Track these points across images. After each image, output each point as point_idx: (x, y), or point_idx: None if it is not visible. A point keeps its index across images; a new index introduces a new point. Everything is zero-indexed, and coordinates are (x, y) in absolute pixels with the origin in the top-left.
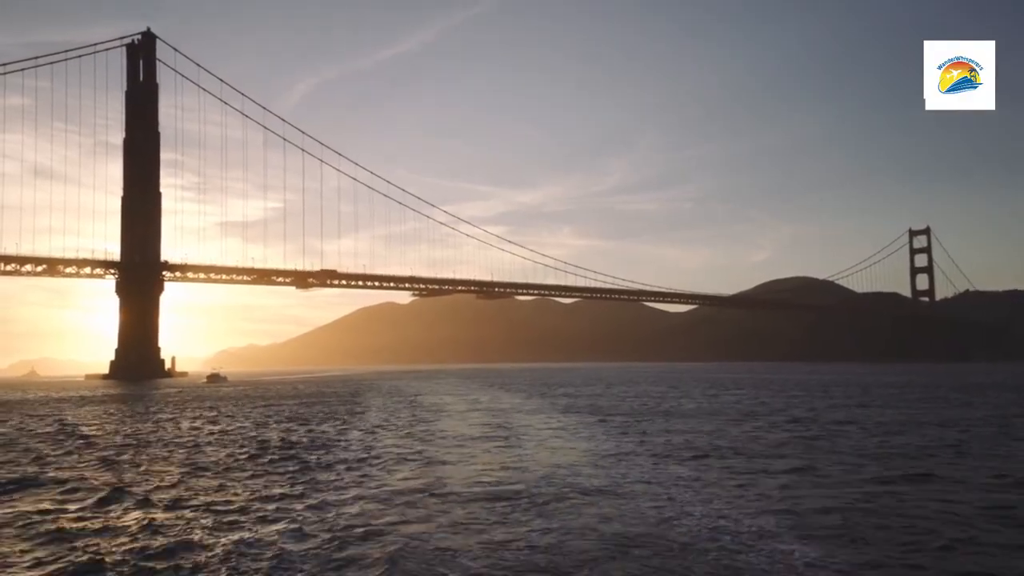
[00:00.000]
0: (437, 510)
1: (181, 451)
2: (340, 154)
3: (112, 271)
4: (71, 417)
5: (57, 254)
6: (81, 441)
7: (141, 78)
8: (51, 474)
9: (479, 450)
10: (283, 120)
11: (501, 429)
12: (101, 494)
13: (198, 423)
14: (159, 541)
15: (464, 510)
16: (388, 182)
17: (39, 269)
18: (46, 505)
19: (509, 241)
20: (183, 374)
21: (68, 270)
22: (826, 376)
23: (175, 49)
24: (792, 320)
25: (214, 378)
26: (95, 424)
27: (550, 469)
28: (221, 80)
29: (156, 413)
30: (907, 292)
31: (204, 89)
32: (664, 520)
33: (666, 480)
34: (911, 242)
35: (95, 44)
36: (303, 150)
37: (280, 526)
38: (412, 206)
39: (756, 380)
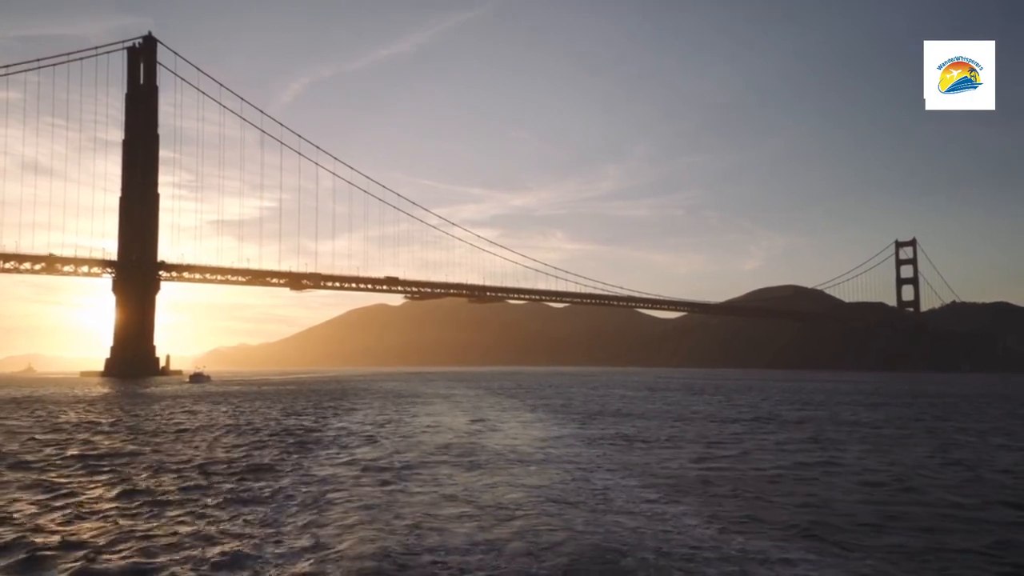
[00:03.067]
0: (403, 471)
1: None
2: (336, 158)
3: (109, 270)
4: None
5: (50, 250)
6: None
7: (141, 81)
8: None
9: (450, 433)
10: (279, 123)
11: (475, 422)
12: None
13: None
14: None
15: (428, 470)
16: (382, 186)
17: (37, 267)
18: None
19: (501, 246)
20: (177, 372)
21: (66, 268)
22: (806, 384)
23: (175, 53)
24: (781, 328)
25: (197, 377)
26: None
27: (502, 447)
28: (216, 81)
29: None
30: (893, 302)
31: (200, 90)
32: (566, 480)
33: (583, 457)
34: (897, 253)
35: (97, 47)
36: (299, 153)
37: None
38: (405, 208)
39: (736, 386)
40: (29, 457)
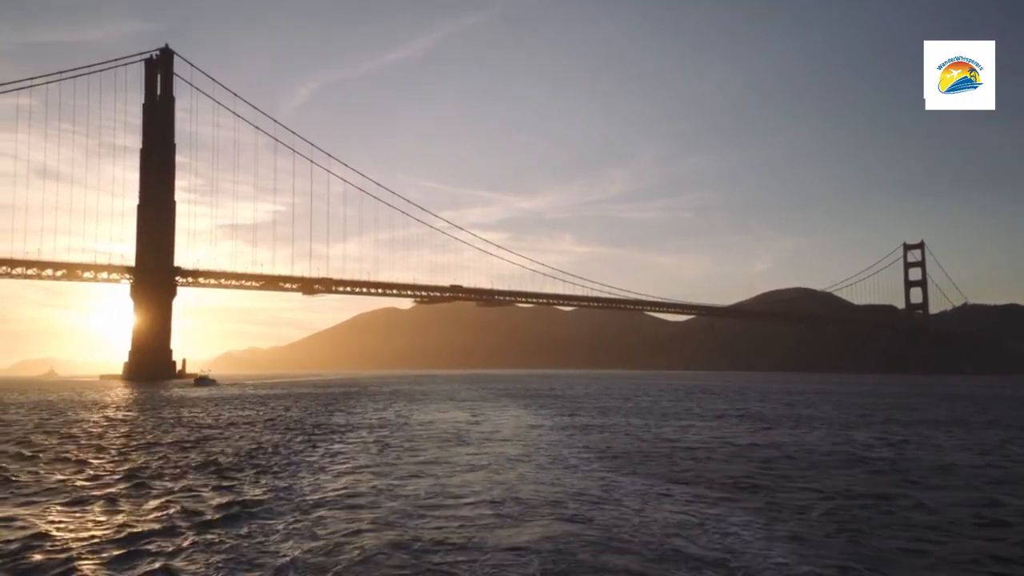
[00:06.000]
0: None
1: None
2: (345, 165)
3: (128, 276)
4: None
5: (67, 255)
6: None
7: (159, 91)
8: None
9: (446, 421)
10: (288, 129)
11: (471, 415)
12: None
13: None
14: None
15: (424, 448)
16: (392, 192)
17: (59, 274)
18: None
19: (508, 250)
20: (193, 376)
21: (86, 275)
22: (803, 385)
23: (191, 64)
24: (789, 330)
25: (202, 381)
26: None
27: (487, 431)
28: (228, 89)
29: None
30: (902, 305)
31: (214, 99)
32: (530, 451)
33: (547, 436)
34: (905, 256)
35: (116, 59)
36: (311, 161)
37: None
38: (415, 212)
39: (731, 388)
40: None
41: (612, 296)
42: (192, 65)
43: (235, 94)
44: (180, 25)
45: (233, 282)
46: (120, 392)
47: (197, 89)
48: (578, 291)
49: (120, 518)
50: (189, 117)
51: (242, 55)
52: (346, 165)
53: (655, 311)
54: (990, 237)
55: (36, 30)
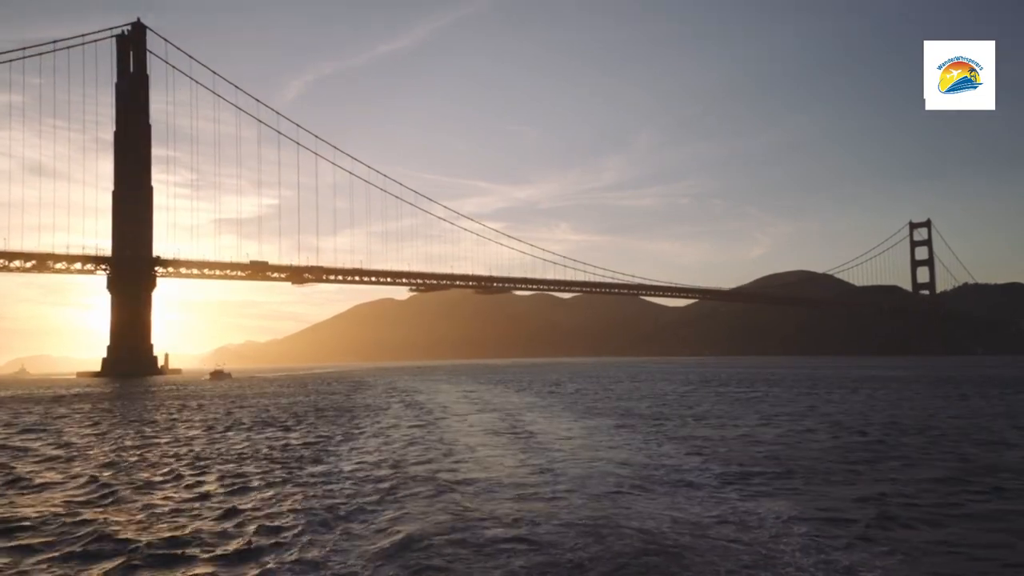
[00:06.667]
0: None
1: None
2: (337, 148)
3: (103, 267)
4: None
5: (48, 250)
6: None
7: (131, 70)
8: None
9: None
10: (278, 113)
11: (473, 401)
12: None
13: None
14: None
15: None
16: (386, 178)
17: (28, 265)
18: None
19: (505, 234)
20: (176, 371)
21: (58, 266)
22: (798, 369)
23: (167, 40)
24: (791, 314)
25: (218, 375)
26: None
27: (493, 413)
28: (215, 72)
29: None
30: (908, 285)
31: (197, 82)
32: (526, 445)
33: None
34: (911, 235)
35: (83, 35)
36: (298, 144)
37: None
38: (409, 201)
39: (735, 374)
40: None
41: (612, 281)
42: (168, 42)
43: (216, 72)
44: (173, 18)
45: (217, 272)
46: (91, 390)
47: (177, 69)
48: (579, 277)
49: (157, 509)
50: (176, 109)
51: (235, 49)
52: (337, 148)
53: (655, 295)
54: (993, 218)
55: (26, 27)
